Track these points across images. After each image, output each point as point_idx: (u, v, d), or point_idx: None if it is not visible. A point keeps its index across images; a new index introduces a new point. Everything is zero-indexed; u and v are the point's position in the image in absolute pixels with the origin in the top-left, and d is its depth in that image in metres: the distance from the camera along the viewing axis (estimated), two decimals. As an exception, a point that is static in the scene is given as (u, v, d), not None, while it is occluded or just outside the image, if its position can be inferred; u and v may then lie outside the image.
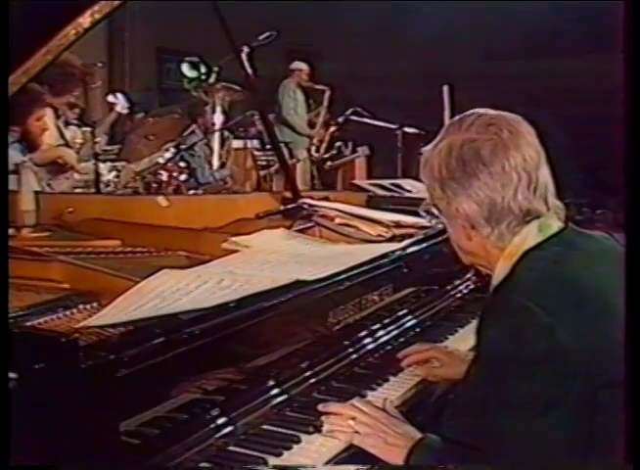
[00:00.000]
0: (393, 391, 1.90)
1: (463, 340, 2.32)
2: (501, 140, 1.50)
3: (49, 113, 3.67)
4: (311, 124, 7.64)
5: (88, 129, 4.09)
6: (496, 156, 1.49)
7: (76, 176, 3.61)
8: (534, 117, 1.62)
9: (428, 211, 1.65)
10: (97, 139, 3.89)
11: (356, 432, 1.61)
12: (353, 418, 1.63)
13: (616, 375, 1.34)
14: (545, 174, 1.54)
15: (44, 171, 3.43)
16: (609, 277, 1.46)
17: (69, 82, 3.95)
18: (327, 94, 7.45)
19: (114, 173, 3.77)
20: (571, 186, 1.67)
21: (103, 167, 3.71)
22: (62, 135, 3.99)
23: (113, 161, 3.95)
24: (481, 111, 1.57)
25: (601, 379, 1.38)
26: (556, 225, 1.54)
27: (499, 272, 1.54)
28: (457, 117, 1.58)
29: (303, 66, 7.74)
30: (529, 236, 1.51)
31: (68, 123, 4.33)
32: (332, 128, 7.18)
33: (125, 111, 4.75)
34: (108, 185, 3.73)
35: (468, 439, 1.48)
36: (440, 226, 1.72)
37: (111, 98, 4.79)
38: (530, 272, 1.48)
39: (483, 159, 1.49)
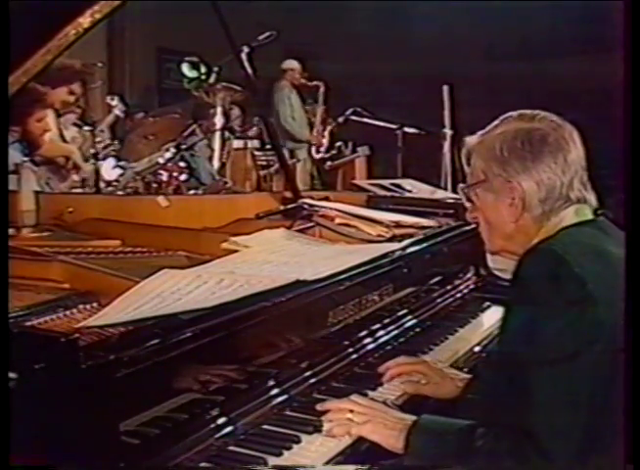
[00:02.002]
0: (393, 390, 1.90)
1: (463, 340, 2.33)
2: (563, 134, 1.61)
3: (50, 113, 3.66)
4: (309, 124, 7.59)
5: (88, 129, 4.09)
6: (560, 146, 1.59)
7: (75, 177, 3.60)
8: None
9: (466, 193, 1.69)
10: (97, 139, 3.89)
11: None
12: (351, 411, 1.64)
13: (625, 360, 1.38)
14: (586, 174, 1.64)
15: (45, 169, 3.43)
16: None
17: (67, 75, 3.94)
18: (321, 90, 7.34)
19: (117, 171, 3.77)
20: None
21: (106, 164, 3.71)
22: (62, 136, 3.99)
23: (115, 158, 3.94)
24: (538, 111, 1.66)
25: (622, 341, 1.41)
26: (590, 215, 1.63)
27: (533, 243, 1.60)
28: (514, 113, 1.67)
29: (295, 64, 7.58)
30: (567, 217, 1.60)
31: (74, 124, 4.33)
32: (329, 127, 7.16)
33: (122, 114, 4.79)
34: (110, 184, 3.73)
35: (494, 389, 1.53)
36: (468, 213, 1.74)
37: (109, 100, 4.82)
38: (566, 237, 1.56)
39: (550, 146, 1.59)
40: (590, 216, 1.62)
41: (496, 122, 1.68)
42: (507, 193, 1.61)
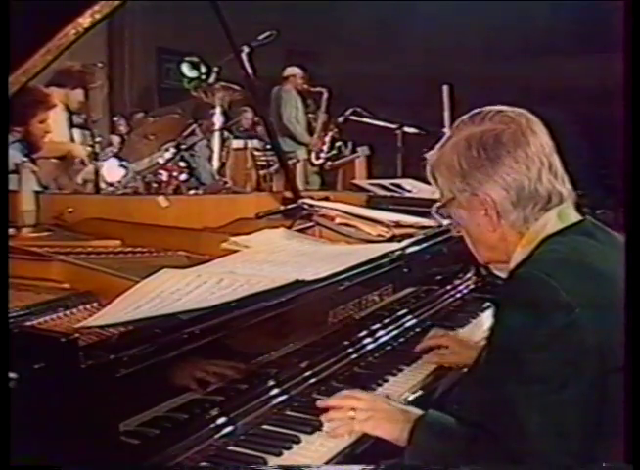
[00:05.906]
0: (393, 391, 1.90)
1: (463, 340, 2.32)
2: (519, 128, 1.54)
3: (58, 113, 3.67)
4: (310, 129, 7.56)
5: (88, 132, 4.11)
6: (517, 142, 1.53)
7: (78, 180, 3.61)
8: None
9: (442, 214, 1.66)
10: (97, 139, 3.90)
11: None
12: (354, 409, 1.64)
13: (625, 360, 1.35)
14: (558, 161, 1.58)
15: (53, 167, 3.43)
16: (623, 269, 1.45)
17: (83, 77, 3.98)
18: (324, 97, 7.33)
19: (121, 172, 3.77)
20: (571, 186, 1.66)
21: (109, 164, 3.71)
22: (72, 138, 4.01)
23: (117, 158, 3.94)
24: (489, 107, 1.60)
25: (612, 362, 1.39)
26: (574, 215, 1.58)
27: (517, 257, 1.56)
28: (465, 116, 1.62)
29: (297, 70, 7.50)
30: (549, 223, 1.55)
31: (73, 126, 4.34)
32: (330, 133, 7.14)
33: (126, 135, 4.87)
34: (111, 185, 3.73)
35: (481, 415, 1.49)
36: (451, 227, 1.72)
37: (115, 120, 4.90)
38: (550, 254, 1.51)
39: (506, 145, 1.53)
40: (574, 219, 1.57)
41: (449, 132, 1.62)
42: (478, 206, 1.57)
